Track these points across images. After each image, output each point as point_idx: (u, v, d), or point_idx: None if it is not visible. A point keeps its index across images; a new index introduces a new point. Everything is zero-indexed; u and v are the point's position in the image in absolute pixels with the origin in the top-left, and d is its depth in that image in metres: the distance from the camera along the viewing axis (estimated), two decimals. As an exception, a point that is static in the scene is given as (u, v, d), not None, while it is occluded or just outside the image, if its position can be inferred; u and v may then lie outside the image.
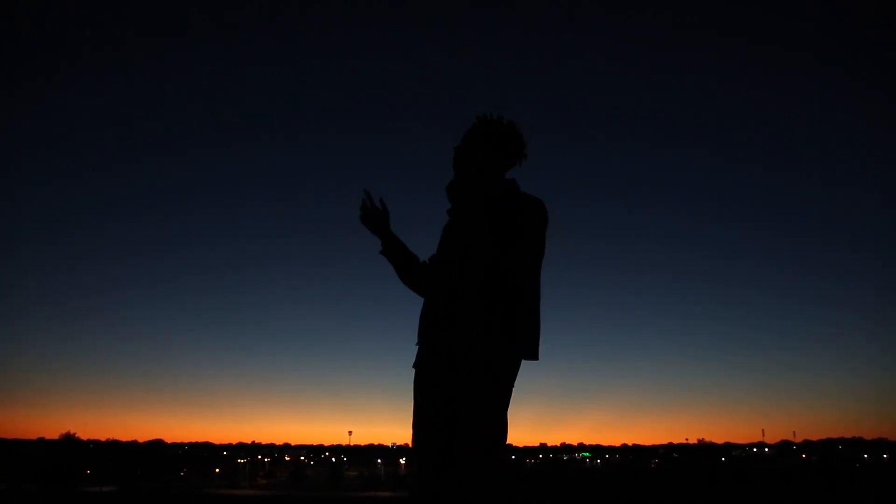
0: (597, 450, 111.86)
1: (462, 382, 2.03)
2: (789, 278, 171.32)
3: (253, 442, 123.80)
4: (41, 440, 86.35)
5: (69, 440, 67.45)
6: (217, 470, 77.98)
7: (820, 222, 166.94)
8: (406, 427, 2.16)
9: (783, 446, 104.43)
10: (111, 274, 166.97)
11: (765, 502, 21.56)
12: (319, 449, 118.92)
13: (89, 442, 76.96)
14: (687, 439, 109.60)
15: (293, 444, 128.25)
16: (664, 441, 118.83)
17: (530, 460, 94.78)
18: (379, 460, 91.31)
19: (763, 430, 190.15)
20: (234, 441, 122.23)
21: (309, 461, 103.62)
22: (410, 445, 2.14)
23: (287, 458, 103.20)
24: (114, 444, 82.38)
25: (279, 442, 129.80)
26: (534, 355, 2.08)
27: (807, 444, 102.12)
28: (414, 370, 2.21)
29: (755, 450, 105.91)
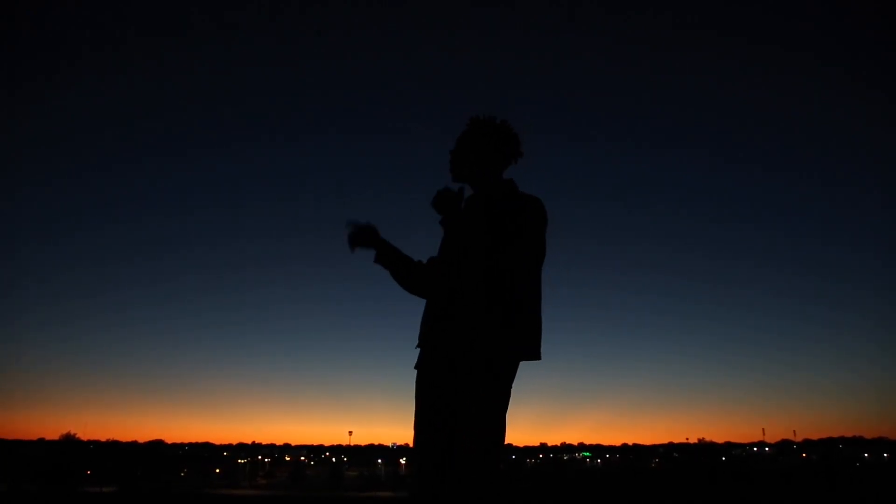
0: (597, 449, 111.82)
1: (462, 383, 2.03)
2: (789, 278, 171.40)
3: (253, 442, 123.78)
4: (41, 440, 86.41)
5: (69, 440, 67.48)
6: (217, 470, 77.99)
7: (820, 222, 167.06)
8: (406, 427, 2.16)
9: (783, 445, 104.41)
10: (111, 274, 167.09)
11: (765, 502, 21.56)
12: (319, 449, 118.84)
13: (89, 442, 76.98)
14: (687, 439, 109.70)
15: (293, 444, 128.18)
16: (664, 441, 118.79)
17: (530, 460, 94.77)
18: (379, 460, 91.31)
19: (763, 429, 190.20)
20: (235, 441, 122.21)
21: (309, 461, 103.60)
22: (412, 446, 2.14)
23: (287, 459, 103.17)
24: (114, 445, 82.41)
25: (279, 442, 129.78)
26: (536, 355, 2.08)
27: (807, 444, 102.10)
28: (416, 371, 2.21)
29: (755, 449, 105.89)
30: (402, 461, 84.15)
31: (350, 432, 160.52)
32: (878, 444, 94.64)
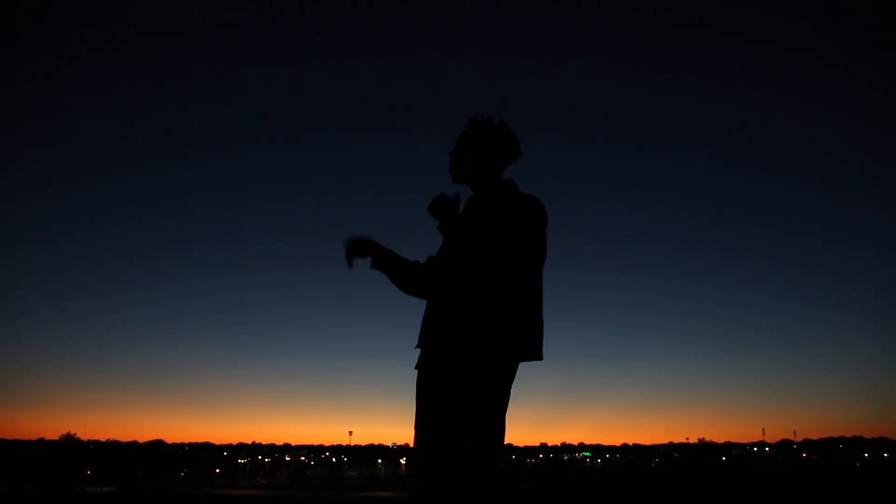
0: (597, 449, 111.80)
1: (461, 383, 2.03)
2: (789, 278, 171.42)
3: (253, 442, 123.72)
4: (41, 440, 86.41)
5: (69, 440, 67.51)
6: (217, 470, 78.01)
7: (820, 222, 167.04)
8: (406, 427, 2.16)
9: (784, 445, 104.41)
10: (111, 274, 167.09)
11: (765, 502, 21.56)
12: (319, 449, 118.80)
13: (89, 442, 77.02)
14: (687, 439, 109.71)
15: (293, 444, 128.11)
16: (664, 441, 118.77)
17: (531, 460, 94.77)
18: (379, 460, 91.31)
19: (763, 429, 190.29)
20: (235, 441, 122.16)
21: (309, 461, 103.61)
22: (413, 446, 2.14)
23: (287, 459, 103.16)
24: (114, 445, 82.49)
25: (279, 442, 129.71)
26: (537, 355, 2.08)
27: (807, 444, 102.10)
28: (416, 371, 2.21)
29: (756, 449, 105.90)
30: (402, 461, 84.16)
31: (350, 432, 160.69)
32: (878, 444, 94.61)
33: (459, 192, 2.24)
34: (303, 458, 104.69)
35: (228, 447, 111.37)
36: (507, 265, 2.07)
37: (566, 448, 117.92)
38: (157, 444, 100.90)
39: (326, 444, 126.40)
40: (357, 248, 2.33)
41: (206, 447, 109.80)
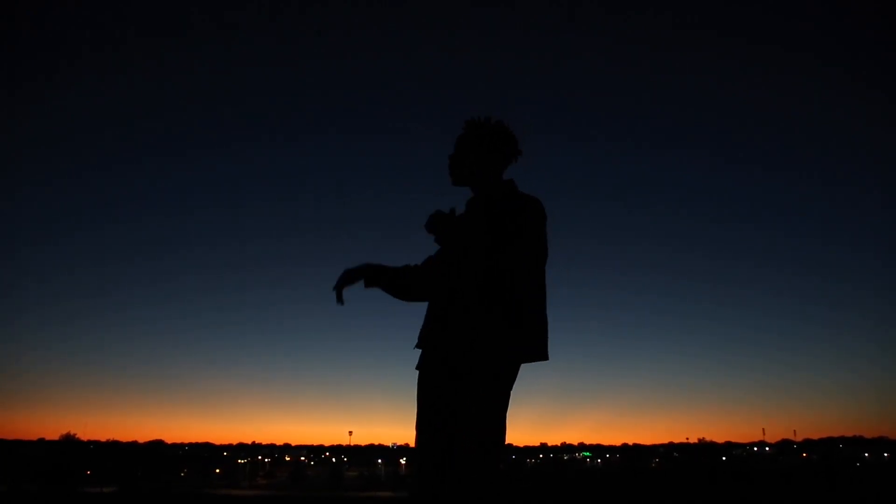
0: (597, 449, 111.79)
1: (461, 383, 2.02)
2: (789, 278, 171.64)
3: (253, 442, 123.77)
4: (41, 441, 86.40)
5: (69, 441, 67.52)
6: (217, 470, 78.00)
7: (820, 222, 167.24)
8: (406, 427, 2.16)
9: (784, 445, 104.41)
10: (111, 274, 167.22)
11: (765, 502, 21.54)
12: (319, 449, 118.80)
13: (89, 442, 77.04)
14: (687, 439, 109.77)
15: (293, 444, 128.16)
16: (665, 440, 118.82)
17: (531, 460, 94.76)
18: (379, 460, 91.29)
19: (763, 429, 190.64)
20: (235, 441, 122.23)
21: (309, 461, 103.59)
22: (412, 446, 2.14)
23: (287, 459, 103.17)
24: (114, 445, 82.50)
25: (279, 442, 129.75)
26: (541, 355, 2.08)
27: (807, 443, 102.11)
28: (417, 372, 2.20)
29: (756, 449, 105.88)
30: (402, 461, 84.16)
31: (350, 432, 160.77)
32: (878, 444, 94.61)
33: (455, 207, 2.24)
34: (303, 458, 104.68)
35: (228, 447, 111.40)
36: (507, 265, 2.06)
37: (566, 448, 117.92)
38: (157, 444, 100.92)
39: (326, 444, 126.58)
40: (345, 280, 2.34)
41: (206, 447, 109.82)
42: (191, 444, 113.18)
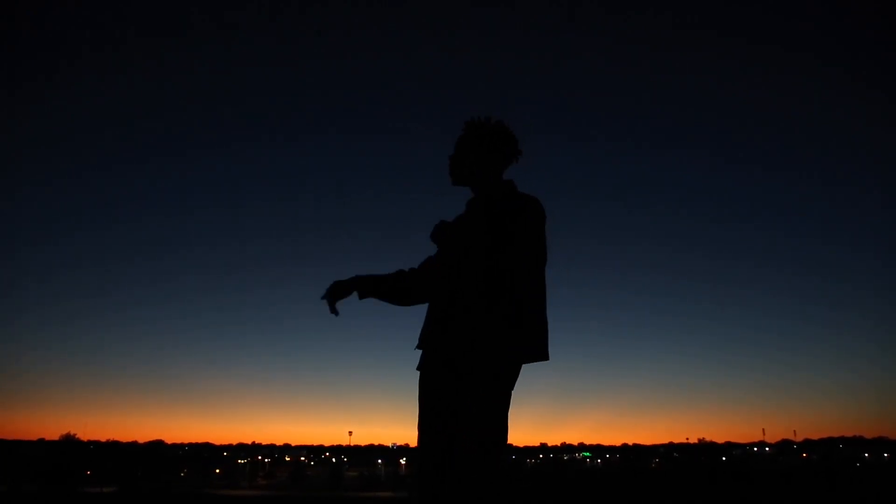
0: (597, 449, 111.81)
1: (462, 383, 2.02)
2: (789, 278, 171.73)
3: (253, 442, 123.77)
4: (41, 440, 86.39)
5: (69, 441, 67.52)
6: (217, 470, 77.99)
7: (820, 222, 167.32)
8: (406, 427, 2.16)
9: (784, 445, 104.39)
10: (111, 274, 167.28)
11: (765, 502, 21.55)
12: (319, 449, 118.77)
13: (89, 442, 77.06)
14: (687, 439, 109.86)
15: (293, 444, 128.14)
16: (664, 441, 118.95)
17: (531, 460, 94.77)
18: (379, 461, 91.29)
19: (763, 429, 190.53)
20: (235, 441, 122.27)
21: (309, 461, 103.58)
22: (412, 446, 2.14)
23: (287, 459, 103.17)
24: (114, 445, 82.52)
25: (279, 442, 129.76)
26: (541, 355, 2.07)
27: (807, 444, 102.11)
28: (418, 372, 2.21)
29: (756, 449, 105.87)
30: (402, 461, 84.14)
31: (350, 432, 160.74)
32: (878, 444, 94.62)
33: (458, 217, 2.24)
34: (303, 459, 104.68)
35: (228, 447, 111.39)
36: (507, 265, 2.06)
37: (566, 448, 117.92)
38: (157, 445, 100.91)
39: (326, 444, 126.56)
40: (336, 293, 2.34)
41: (206, 447, 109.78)
42: (191, 444, 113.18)
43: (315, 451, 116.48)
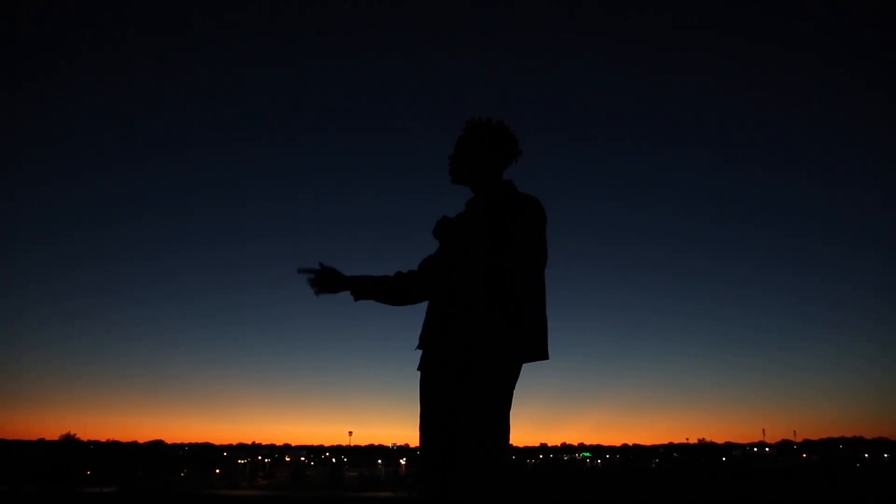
0: (597, 450, 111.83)
1: (462, 383, 2.02)
2: (789, 278, 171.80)
3: (253, 442, 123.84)
4: (41, 440, 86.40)
5: (69, 441, 67.51)
6: (217, 471, 78.00)
7: (820, 222, 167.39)
8: (406, 428, 2.17)
9: (784, 446, 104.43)
10: (111, 274, 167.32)
11: (765, 502, 21.55)
12: (319, 449, 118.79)
13: (89, 442, 77.06)
14: (687, 439, 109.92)
15: (293, 444, 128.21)
16: (664, 441, 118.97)
17: (531, 460, 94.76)
18: (379, 461, 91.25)
19: (763, 429, 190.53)
20: (235, 442, 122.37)
21: (309, 462, 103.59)
22: (412, 446, 2.14)
23: (287, 459, 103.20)
24: (114, 445, 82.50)
25: (279, 442, 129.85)
26: (542, 355, 2.08)
27: (807, 444, 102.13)
28: (419, 373, 2.21)
29: (755, 449, 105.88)
30: (402, 461, 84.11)
31: (350, 433, 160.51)
32: (878, 444, 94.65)
33: (460, 214, 2.23)
34: (303, 459, 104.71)
35: (228, 447, 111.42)
36: (507, 265, 2.06)
37: (566, 448, 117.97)
38: (157, 445, 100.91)
39: (326, 444, 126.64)
40: (325, 283, 2.33)
41: (206, 447, 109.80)
42: (191, 445, 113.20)
43: (315, 451, 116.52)
